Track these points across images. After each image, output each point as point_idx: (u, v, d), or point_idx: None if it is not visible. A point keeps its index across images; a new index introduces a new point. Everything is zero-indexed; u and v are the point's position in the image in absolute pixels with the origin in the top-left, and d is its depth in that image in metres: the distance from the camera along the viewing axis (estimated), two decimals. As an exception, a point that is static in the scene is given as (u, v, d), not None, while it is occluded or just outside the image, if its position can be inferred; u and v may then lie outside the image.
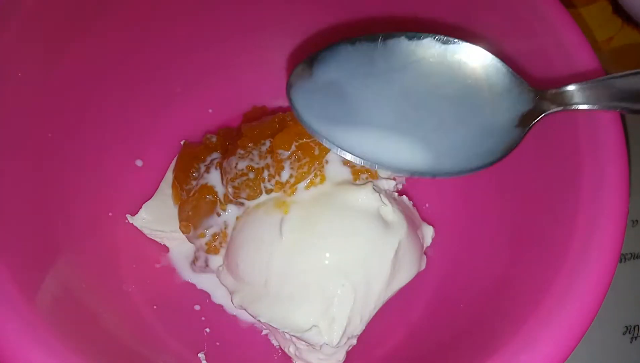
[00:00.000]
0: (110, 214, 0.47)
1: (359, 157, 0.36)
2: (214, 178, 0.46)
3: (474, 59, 0.37)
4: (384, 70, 0.38)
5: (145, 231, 0.48)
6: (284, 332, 0.39)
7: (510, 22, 0.41)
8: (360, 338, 0.41)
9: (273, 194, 0.43)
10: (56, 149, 0.42)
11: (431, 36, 0.37)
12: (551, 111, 0.35)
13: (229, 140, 0.49)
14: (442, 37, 0.37)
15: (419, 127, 0.37)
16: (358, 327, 0.39)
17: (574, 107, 0.35)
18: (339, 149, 0.36)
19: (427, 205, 0.51)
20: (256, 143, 0.45)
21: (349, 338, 0.39)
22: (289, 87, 0.37)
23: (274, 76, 0.54)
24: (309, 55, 0.38)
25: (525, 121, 0.36)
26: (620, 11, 0.58)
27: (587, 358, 0.49)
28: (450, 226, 0.48)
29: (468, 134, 0.36)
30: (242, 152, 0.44)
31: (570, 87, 0.35)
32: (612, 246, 0.33)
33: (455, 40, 0.37)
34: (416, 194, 0.51)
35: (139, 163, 0.50)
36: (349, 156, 0.36)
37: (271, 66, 0.54)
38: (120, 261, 0.46)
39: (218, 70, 0.53)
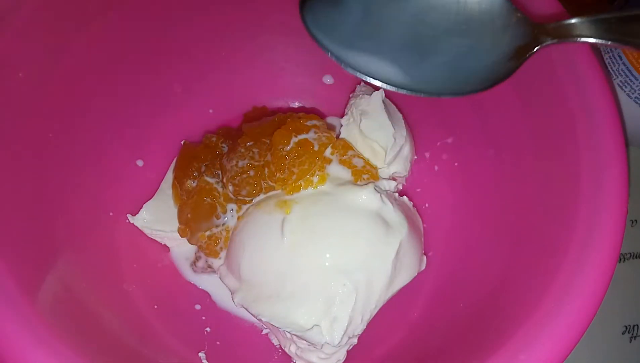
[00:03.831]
0: (110, 214, 0.47)
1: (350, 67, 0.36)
2: (213, 178, 0.46)
3: None
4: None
5: (146, 231, 0.48)
6: (285, 331, 0.39)
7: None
8: (360, 337, 0.41)
9: (274, 193, 0.43)
10: (57, 149, 0.42)
11: None
12: (547, 43, 0.34)
13: (229, 140, 0.49)
14: None
15: (412, 51, 0.36)
16: (359, 327, 0.39)
17: (573, 39, 0.34)
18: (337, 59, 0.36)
19: (427, 205, 0.51)
20: (256, 141, 0.45)
21: (350, 338, 0.39)
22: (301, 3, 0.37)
23: (274, 76, 0.54)
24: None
25: (520, 54, 0.35)
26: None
27: (587, 358, 0.49)
28: (450, 226, 0.48)
29: (461, 62, 0.36)
30: (242, 150, 0.44)
31: (572, 20, 0.34)
32: (612, 246, 0.33)
33: None
34: (416, 194, 0.51)
35: (139, 163, 0.50)
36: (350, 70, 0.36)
37: (271, 66, 0.54)
38: (121, 261, 0.46)
39: (218, 70, 0.53)
